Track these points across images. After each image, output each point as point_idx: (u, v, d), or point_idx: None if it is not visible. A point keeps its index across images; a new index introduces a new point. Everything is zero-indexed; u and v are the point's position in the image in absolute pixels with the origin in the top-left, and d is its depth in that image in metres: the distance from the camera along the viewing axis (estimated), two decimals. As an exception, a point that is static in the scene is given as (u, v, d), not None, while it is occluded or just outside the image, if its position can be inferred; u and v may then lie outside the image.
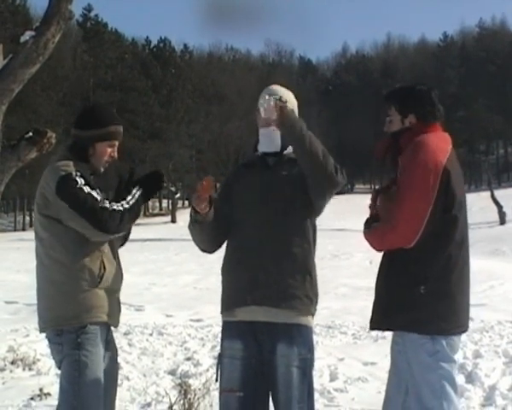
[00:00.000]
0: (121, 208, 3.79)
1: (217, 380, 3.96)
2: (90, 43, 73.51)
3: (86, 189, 3.73)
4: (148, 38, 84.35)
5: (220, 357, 3.95)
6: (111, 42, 76.16)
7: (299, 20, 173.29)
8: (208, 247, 4.15)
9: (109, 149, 3.98)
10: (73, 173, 3.75)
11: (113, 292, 3.94)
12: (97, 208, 3.70)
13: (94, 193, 3.75)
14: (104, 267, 3.84)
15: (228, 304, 3.97)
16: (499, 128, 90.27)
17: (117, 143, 4.03)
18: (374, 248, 3.84)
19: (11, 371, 8.07)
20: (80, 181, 3.74)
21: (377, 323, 3.86)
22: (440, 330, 3.67)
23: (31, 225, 56.36)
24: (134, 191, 3.91)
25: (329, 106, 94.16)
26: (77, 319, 3.79)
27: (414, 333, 3.66)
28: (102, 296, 3.85)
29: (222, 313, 4.02)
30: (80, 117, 4.05)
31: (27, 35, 7.21)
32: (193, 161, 72.55)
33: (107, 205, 3.75)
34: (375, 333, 9.80)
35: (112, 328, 4.06)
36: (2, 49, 7.36)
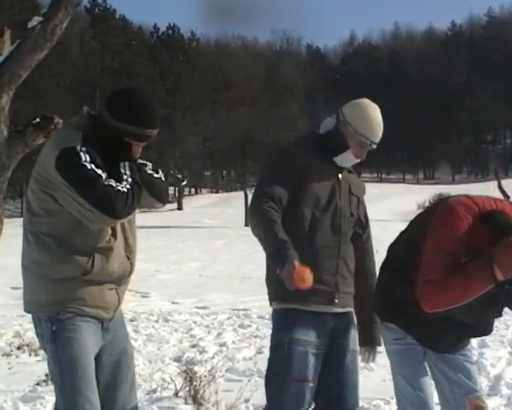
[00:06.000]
0: (125, 189, 3.32)
1: (287, 368, 3.78)
2: (97, 30, 73.48)
3: (90, 166, 3.28)
4: (156, 24, 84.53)
5: (290, 344, 3.79)
6: (118, 28, 76.10)
7: (306, 7, 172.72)
8: None
9: (133, 147, 3.49)
10: (78, 147, 3.30)
11: (109, 286, 3.56)
12: (100, 186, 3.25)
13: (98, 170, 3.29)
14: (93, 265, 3.44)
15: (305, 298, 3.78)
16: (507, 118, 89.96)
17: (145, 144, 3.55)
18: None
19: (17, 357, 8.10)
20: (85, 157, 3.29)
21: None
22: None
23: (37, 211, 56.25)
24: (123, 170, 3.41)
25: (337, 94, 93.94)
26: (51, 306, 3.48)
27: None
28: (88, 289, 3.48)
29: (290, 302, 3.83)
30: (119, 103, 3.47)
31: (35, 21, 7.22)
32: (199, 148, 72.51)
33: (113, 183, 3.29)
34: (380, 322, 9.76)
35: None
36: (9, 34, 7.36)
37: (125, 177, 3.37)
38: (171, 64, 76.38)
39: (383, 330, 3.92)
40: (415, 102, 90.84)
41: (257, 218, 3.71)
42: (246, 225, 50.74)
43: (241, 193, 57.36)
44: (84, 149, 3.30)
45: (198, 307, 12.67)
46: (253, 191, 4.01)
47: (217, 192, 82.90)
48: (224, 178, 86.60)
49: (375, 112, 3.97)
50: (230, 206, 64.19)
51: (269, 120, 61.70)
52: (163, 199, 3.73)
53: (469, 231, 3.45)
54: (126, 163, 3.43)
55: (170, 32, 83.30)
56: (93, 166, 3.28)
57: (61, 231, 3.42)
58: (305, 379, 3.77)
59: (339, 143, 3.92)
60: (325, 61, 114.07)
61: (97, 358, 3.59)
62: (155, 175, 3.64)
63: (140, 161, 3.58)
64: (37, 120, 7.09)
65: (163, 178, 3.69)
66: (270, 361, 3.85)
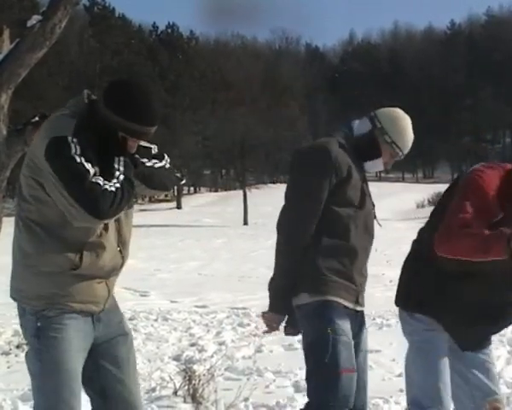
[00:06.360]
0: (113, 189, 3.12)
1: (329, 357, 3.76)
2: (96, 29, 73.40)
3: (80, 159, 3.10)
4: (155, 23, 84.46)
5: (333, 334, 3.77)
6: (118, 27, 76.05)
7: (306, 7, 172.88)
8: None
9: (129, 142, 3.31)
10: (69, 138, 3.13)
11: (98, 280, 3.42)
12: (87, 183, 3.07)
13: (87, 165, 3.11)
14: (81, 260, 3.30)
15: (341, 294, 3.87)
16: (506, 117, 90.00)
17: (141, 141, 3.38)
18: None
19: (16, 356, 8.10)
20: (75, 149, 3.11)
21: None
22: None
23: (36, 210, 56.12)
24: (116, 166, 3.23)
25: (336, 93, 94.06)
26: (37, 300, 3.33)
27: None
28: (77, 284, 3.34)
29: (327, 296, 3.84)
30: (117, 96, 3.27)
31: (34, 20, 7.22)
32: (199, 147, 72.53)
33: (100, 182, 3.10)
34: (379, 321, 9.75)
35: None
36: (8, 33, 7.37)
37: (117, 173, 3.19)
38: (170, 63, 76.32)
39: (409, 321, 3.84)
40: (414, 101, 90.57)
41: (287, 249, 3.84)
42: (245, 224, 50.79)
43: (241, 192, 57.34)
44: (75, 140, 3.13)
45: (197, 306, 12.68)
46: (284, 195, 3.93)
47: (216, 191, 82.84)
48: (223, 177, 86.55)
49: (410, 125, 4.03)
50: (230, 205, 64.16)
51: (268, 119, 61.70)
52: (166, 188, 3.63)
53: (496, 193, 3.51)
54: (121, 158, 3.24)
55: (169, 30, 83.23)
56: (83, 159, 3.11)
57: (50, 221, 3.27)
58: (353, 369, 3.79)
59: (372, 150, 3.95)
60: (324, 60, 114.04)
61: (94, 348, 3.48)
62: (156, 165, 3.47)
63: (144, 144, 3.43)
64: (37, 118, 7.08)
65: (167, 165, 3.53)
66: (317, 354, 3.78)
